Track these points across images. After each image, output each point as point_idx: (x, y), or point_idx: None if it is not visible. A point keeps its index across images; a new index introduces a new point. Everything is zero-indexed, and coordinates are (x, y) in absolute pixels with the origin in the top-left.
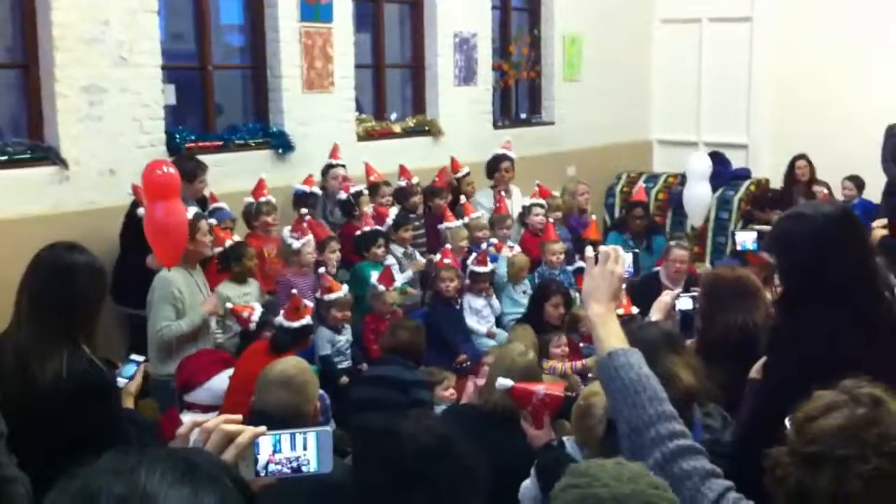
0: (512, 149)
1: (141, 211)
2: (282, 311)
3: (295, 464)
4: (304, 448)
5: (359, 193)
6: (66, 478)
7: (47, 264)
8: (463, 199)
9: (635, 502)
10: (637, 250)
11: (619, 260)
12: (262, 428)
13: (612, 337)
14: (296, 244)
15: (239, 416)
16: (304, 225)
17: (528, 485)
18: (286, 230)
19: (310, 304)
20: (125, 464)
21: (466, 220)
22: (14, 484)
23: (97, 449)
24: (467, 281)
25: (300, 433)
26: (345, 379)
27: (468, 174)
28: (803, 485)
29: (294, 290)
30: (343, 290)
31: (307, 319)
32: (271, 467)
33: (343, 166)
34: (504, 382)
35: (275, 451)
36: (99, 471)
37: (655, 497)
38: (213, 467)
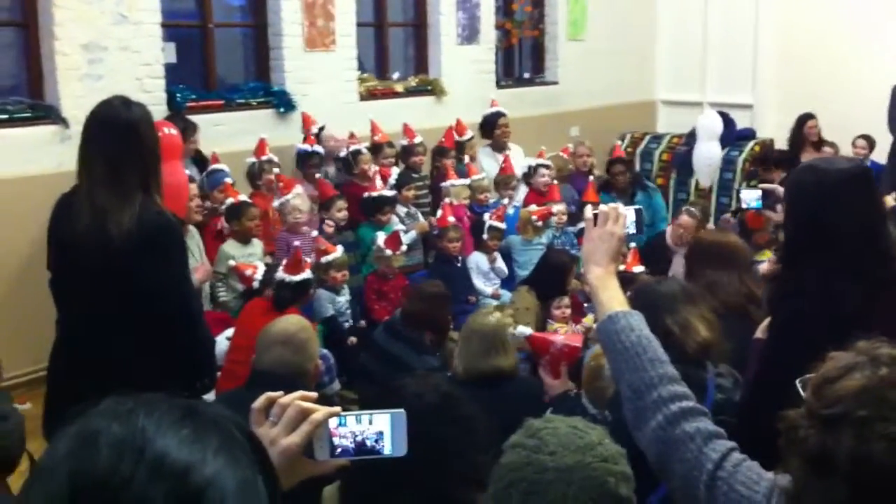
0: (499, 107)
1: None
2: (282, 266)
3: (360, 437)
4: (371, 423)
5: (357, 152)
6: (65, 424)
7: (113, 125)
8: (467, 159)
9: (576, 476)
10: (640, 206)
11: (619, 220)
12: (338, 408)
13: (612, 300)
14: (273, 203)
15: (314, 395)
16: (278, 185)
17: None
18: None
19: (309, 260)
20: (123, 406)
21: (469, 181)
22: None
23: (169, 297)
24: (485, 236)
25: (375, 414)
26: (353, 339)
27: (472, 138)
28: (824, 447)
29: (297, 243)
30: (339, 251)
31: (308, 273)
32: (336, 441)
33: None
34: (523, 330)
35: (340, 425)
36: (96, 414)
37: (601, 470)
38: (216, 415)
